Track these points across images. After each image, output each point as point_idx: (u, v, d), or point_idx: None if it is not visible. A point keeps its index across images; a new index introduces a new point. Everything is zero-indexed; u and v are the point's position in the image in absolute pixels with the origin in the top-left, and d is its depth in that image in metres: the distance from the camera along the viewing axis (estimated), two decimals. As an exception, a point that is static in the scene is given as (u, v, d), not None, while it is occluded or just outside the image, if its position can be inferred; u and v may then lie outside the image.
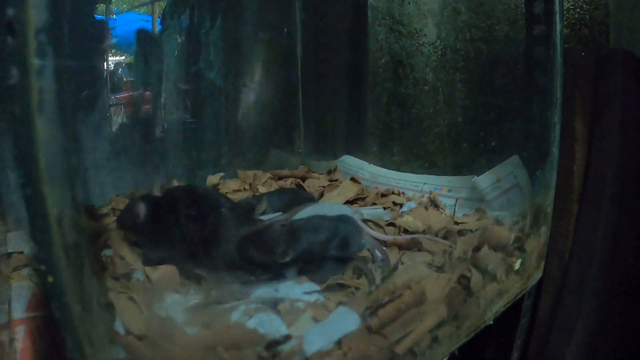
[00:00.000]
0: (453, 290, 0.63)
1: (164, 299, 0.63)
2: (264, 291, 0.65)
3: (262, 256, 0.68)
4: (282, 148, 1.58)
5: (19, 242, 0.96)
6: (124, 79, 1.35)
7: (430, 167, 1.42)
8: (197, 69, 1.32)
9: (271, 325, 0.51)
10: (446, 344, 0.64)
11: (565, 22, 1.19)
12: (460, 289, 0.65)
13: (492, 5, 1.28)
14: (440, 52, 1.40)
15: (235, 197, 1.11)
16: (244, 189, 1.19)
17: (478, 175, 1.11)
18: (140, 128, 1.30)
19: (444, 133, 1.41)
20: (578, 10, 1.19)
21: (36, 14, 0.31)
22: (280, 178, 1.31)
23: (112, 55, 1.27)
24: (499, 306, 0.75)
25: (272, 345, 0.45)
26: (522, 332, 1.05)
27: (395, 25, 1.48)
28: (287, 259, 0.66)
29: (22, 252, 0.92)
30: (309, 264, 0.69)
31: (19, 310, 0.73)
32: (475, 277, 0.66)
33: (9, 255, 0.93)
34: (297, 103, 1.57)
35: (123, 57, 1.43)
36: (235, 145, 1.41)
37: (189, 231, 0.73)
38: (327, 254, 0.71)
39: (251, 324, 0.50)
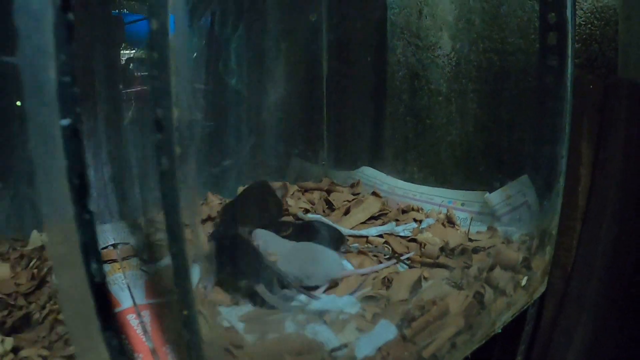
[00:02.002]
0: (470, 305, 0.77)
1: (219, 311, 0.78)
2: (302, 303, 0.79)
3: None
4: (305, 157, 1.66)
5: (119, 233, 1.10)
6: (135, 73, 1.38)
7: (444, 179, 1.52)
8: (218, 74, 1.39)
9: (324, 335, 0.64)
10: (462, 350, 0.77)
11: (577, 37, 1.24)
12: (475, 303, 0.79)
13: (506, 18, 1.34)
14: (454, 63, 1.48)
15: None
16: None
17: (490, 192, 1.23)
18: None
19: (456, 142, 1.50)
20: (589, 26, 1.24)
21: (178, 113, 0.45)
22: (306, 190, 1.42)
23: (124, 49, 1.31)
24: (507, 317, 0.88)
25: (333, 351, 0.59)
26: (526, 338, 1.15)
27: (412, 39, 1.57)
28: None
29: (127, 243, 1.06)
30: None
31: (139, 296, 0.87)
32: (489, 293, 0.80)
33: (115, 245, 1.07)
34: (321, 114, 1.66)
35: (134, 51, 1.50)
36: (259, 153, 1.49)
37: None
38: None
39: (308, 333, 0.64)
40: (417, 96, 1.58)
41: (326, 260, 0.91)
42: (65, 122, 0.39)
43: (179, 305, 0.45)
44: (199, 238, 0.51)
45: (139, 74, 1.27)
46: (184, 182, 0.43)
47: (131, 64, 1.26)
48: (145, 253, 1.01)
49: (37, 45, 0.38)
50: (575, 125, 1.11)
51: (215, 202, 1.30)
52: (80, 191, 0.40)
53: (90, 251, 0.41)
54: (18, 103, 1.19)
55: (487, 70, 1.41)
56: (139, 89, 1.24)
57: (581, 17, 1.24)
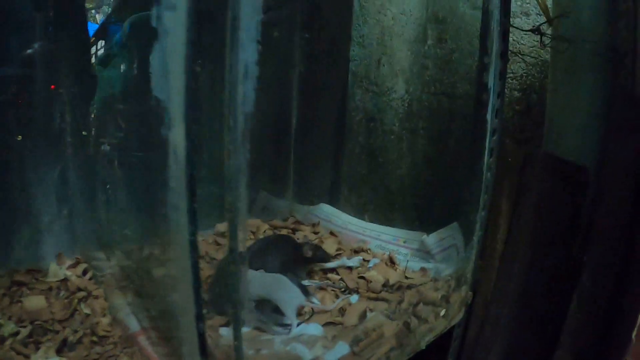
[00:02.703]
0: (400, 330, 1.20)
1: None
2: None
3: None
4: (272, 192, 1.96)
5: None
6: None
7: (391, 217, 1.84)
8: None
9: (302, 351, 1.10)
10: (395, 361, 1.23)
11: (518, 87, 1.50)
12: (404, 328, 1.20)
13: (457, 65, 1.60)
14: (407, 105, 1.76)
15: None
16: (250, 238, 1.65)
17: (428, 233, 1.61)
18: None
19: (405, 175, 1.78)
20: (530, 77, 1.49)
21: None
22: (275, 228, 1.78)
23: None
24: (429, 337, 1.26)
25: (310, 362, 1.05)
26: (454, 352, 1.49)
27: (370, 86, 1.86)
28: None
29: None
30: None
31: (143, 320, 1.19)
32: (414, 322, 1.23)
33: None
34: (289, 153, 1.96)
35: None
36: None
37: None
38: None
39: (293, 350, 1.10)
40: (371, 136, 1.87)
41: (291, 291, 1.29)
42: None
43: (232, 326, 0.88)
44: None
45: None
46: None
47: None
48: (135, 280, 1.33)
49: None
50: (498, 183, 1.41)
51: (199, 239, 1.67)
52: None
53: (196, 275, 0.82)
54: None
55: (436, 111, 1.69)
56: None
57: (523, 69, 1.48)
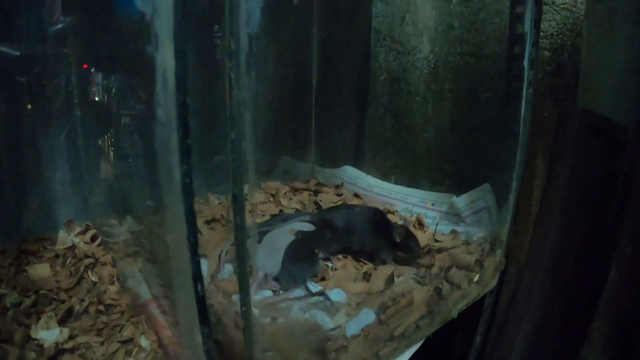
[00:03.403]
0: (431, 297, 1.05)
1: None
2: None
3: None
4: (293, 156, 1.85)
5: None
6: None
7: (417, 179, 1.71)
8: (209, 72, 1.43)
9: (322, 319, 0.93)
10: (424, 330, 1.04)
11: (548, 47, 1.40)
12: (435, 295, 1.07)
13: (484, 24, 1.49)
14: (432, 66, 1.63)
15: (263, 208, 1.47)
16: (269, 200, 1.54)
17: (457, 195, 1.47)
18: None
19: (431, 139, 1.66)
20: (561, 36, 1.38)
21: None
22: (296, 190, 1.64)
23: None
24: (462, 306, 1.14)
25: (329, 331, 0.88)
26: (484, 322, 1.39)
27: (394, 44, 1.74)
28: None
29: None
30: None
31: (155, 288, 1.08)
32: (446, 288, 1.09)
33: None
34: (310, 116, 1.85)
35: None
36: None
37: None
38: None
39: (312, 318, 0.92)
40: (396, 98, 1.75)
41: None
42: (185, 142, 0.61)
43: (240, 302, 0.71)
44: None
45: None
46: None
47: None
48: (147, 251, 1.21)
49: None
50: (533, 144, 1.30)
51: (215, 202, 1.50)
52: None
53: (193, 247, 0.64)
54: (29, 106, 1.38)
55: (463, 72, 1.57)
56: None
57: (554, 28, 1.38)
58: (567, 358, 1.33)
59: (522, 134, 1.20)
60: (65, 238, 1.36)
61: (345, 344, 0.86)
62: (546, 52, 1.40)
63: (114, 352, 0.96)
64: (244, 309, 0.68)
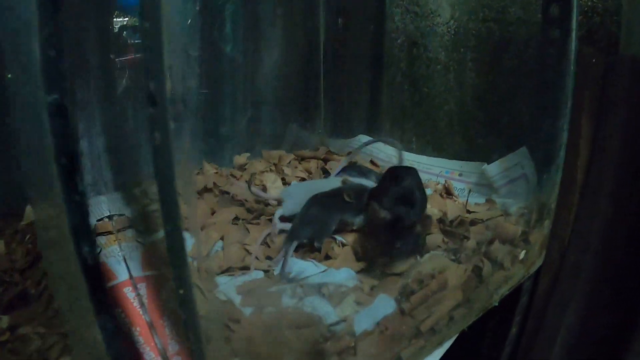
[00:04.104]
0: (469, 278, 0.76)
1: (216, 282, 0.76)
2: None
3: None
4: (302, 125, 1.64)
5: (114, 204, 1.08)
6: (128, 41, 1.32)
7: (441, 148, 1.50)
8: (213, 41, 1.35)
9: (322, 308, 0.63)
10: (460, 323, 0.77)
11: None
12: (473, 276, 0.79)
13: None
14: (453, 32, 1.45)
15: (263, 178, 1.23)
16: (270, 170, 1.29)
17: (488, 163, 1.22)
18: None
19: (454, 112, 1.47)
20: None
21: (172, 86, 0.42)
22: (303, 159, 1.40)
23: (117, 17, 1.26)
24: (504, 290, 0.88)
25: (331, 326, 0.59)
26: (522, 309, 1.16)
27: (411, 6, 1.53)
28: None
29: (122, 215, 1.03)
30: None
31: (136, 268, 0.85)
32: (487, 267, 0.79)
33: (110, 217, 1.05)
34: (318, 82, 1.64)
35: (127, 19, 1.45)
36: (256, 122, 1.48)
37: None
38: None
39: (306, 307, 0.63)
40: (415, 64, 1.55)
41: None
42: (52, 98, 0.37)
43: (175, 284, 0.43)
44: (195, 212, 0.48)
45: (132, 41, 1.23)
46: (179, 156, 0.42)
47: (125, 32, 1.22)
48: (141, 224, 1.00)
49: (20, 18, 0.36)
50: (576, 99, 1.09)
51: (211, 172, 1.28)
52: (70, 171, 0.38)
53: (82, 234, 0.39)
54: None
55: (486, 40, 1.38)
56: (133, 57, 1.20)
57: None
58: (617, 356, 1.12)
59: (566, 84, 1.00)
60: (31, 213, 1.11)
61: (352, 344, 0.57)
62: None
63: (49, 348, 0.72)
64: (181, 292, 0.39)
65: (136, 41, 1.22)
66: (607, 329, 1.13)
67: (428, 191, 1.16)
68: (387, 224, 0.79)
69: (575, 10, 0.98)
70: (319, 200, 0.93)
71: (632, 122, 1.11)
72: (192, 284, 0.43)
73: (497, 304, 0.87)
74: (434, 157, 1.41)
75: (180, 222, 0.41)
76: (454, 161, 1.36)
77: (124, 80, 1.19)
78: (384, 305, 0.66)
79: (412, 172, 0.85)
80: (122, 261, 0.92)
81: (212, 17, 1.35)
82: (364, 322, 0.63)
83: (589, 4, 1.22)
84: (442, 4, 1.46)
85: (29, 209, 1.11)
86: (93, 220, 1.08)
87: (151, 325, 0.75)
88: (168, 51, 0.40)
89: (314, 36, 1.63)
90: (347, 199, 0.90)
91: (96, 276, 0.40)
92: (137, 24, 1.17)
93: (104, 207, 1.11)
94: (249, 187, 1.02)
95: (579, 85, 1.10)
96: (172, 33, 0.40)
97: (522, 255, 0.88)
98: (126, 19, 1.22)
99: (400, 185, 0.81)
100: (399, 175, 0.83)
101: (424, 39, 1.51)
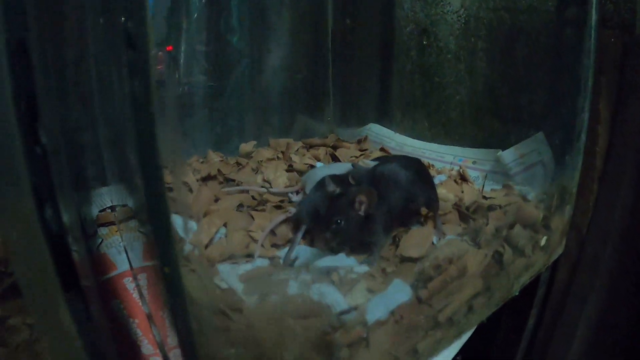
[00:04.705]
0: (489, 265, 0.69)
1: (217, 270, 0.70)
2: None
3: None
4: (310, 115, 1.59)
5: (116, 195, 1.02)
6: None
7: (454, 136, 1.44)
8: (219, 32, 1.31)
9: (331, 296, 0.56)
10: (479, 313, 0.70)
11: None
12: (494, 263, 0.71)
13: None
14: (463, 21, 1.40)
15: (269, 166, 1.16)
16: (277, 157, 1.23)
17: (502, 150, 1.15)
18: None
19: (465, 101, 1.43)
20: None
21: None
22: (311, 147, 1.33)
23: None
24: (525, 279, 0.81)
25: (341, 315, 0.51)
26: (539, 302, 1.10)
27: None
28: None
29: (125, 205, 0.97)
30: None
31: (136, 259, 0.80)
32: (508, 253, 0.72)
33: (112, 208, 0.99)
34: (327, 71, 1.58)
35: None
36: (264, 111, 1.43)
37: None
38: None
39: (314, 295, 0.56)
40: (425, 53, 1.49)
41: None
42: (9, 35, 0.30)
43: (160, 261, 0.36)
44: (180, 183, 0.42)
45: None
46: (161, 112, 0.34)
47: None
48: (143, 214, 0.94)
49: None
50: (594, 83, 1.03)
51: (215, 160, 1.22)
52: (29, 117, 0.30)
53: (44, 195, 0.32)
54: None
55: (497, 29, 1.32)
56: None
57: None
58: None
59: (585, 64, 0.94)
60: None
61: (364, 334, 0.50)
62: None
63: (36, 340, 0.66)
64: (166, 270, 0.32)
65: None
66: (628, 324, 1.06)
67: (442, 177, 1.10)
68: (333, 198, 0.74)
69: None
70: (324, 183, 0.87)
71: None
72: (179, 261, 0.36)
73: (517, 294, 0.80)
74: (446, 144, 1.35)
75: (162, 186, 0.34)
76: (467, 149, 1.29)
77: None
78: (399, 292, 0.58)
79: (401, 160, 0.87)
80: (122, 252, 0.88)
81: (219, 8, 1.30)
82: (376, 310, 0.55)
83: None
84: (451, -9, 1.43)
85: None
86: (95, 211, 1.04)
87: (150, 317, 0.70)
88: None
89: (322, 24, 1.57)
90: (351, 181, 0.84)
91: (63, 247, 0.33)
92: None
93: (106, 198, 1.06)
94: (268, 190, 0.99)
95: (596, 69, 1.04)
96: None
97: (543, 241, 0.81)
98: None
99: (375, 168, 0.82)
100: (381, 160, 0.85)
101: (434, 27, 1.45)
